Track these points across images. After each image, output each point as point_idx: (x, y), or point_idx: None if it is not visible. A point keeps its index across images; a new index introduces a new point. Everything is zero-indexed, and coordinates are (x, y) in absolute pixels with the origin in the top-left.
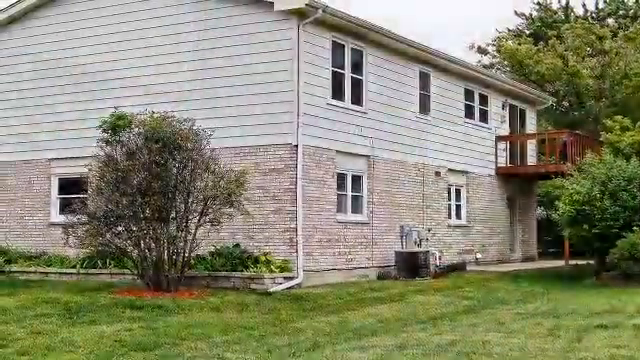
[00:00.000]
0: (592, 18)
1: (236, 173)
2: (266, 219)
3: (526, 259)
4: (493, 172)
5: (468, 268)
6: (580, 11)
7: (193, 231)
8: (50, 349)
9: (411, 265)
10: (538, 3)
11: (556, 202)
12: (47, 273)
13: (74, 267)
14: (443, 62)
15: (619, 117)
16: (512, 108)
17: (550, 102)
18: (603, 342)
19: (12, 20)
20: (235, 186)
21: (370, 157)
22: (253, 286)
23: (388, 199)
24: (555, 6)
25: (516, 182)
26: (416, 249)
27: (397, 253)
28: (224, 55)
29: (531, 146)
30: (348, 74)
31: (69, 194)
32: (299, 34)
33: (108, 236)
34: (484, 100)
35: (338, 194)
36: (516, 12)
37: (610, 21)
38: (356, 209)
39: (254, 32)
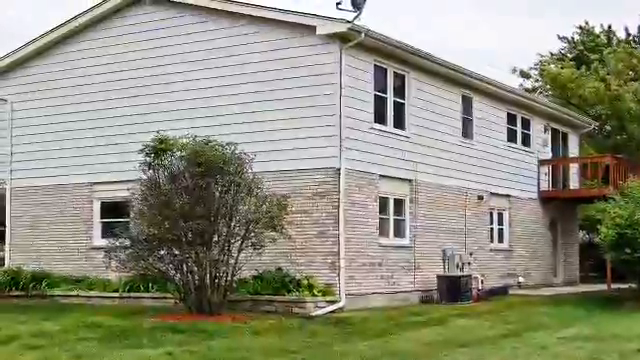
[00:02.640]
0: (634, 42)
1: (278, 197)
2: (308, 243)
3: (568, 283)
4: (535, 196)
5: (510, 292)
6: (622, 35)
7: (235, 255)
8: None
9: (453, 289)
10: (580, 27)
11: (598, 226)
12: (89, 297)
13: (116, 291)
14: (485, 86)
15: None
16: (554, 132)
17: (592, 126)
18: None
19: (54, 44)
20: (277, 210)
21: (412, 181)
22: (295, 310)
23: (430, 223)
24: (597, 30)
25: (558, 206)
26: (458, 273)
27: (439, 277)
28: (267, 79)
29: (573, 170)
30: (390, 98)
31: (111, 218)
32: (341, 58)
33: (150, 260)
34: (526, 124)
35: (380, 218)
36: (559, 36)
37: None
38: (398, 233)
39: (296, 56)
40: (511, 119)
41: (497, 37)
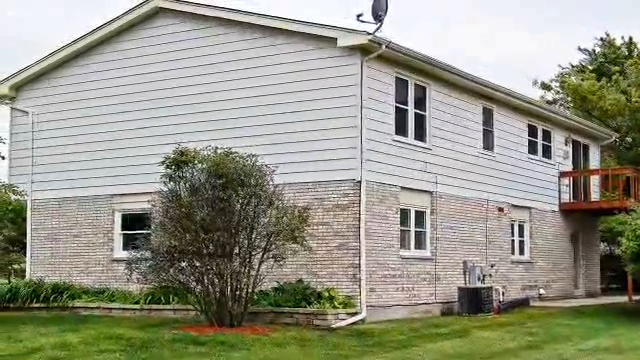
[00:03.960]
0: None
1: (299, 209)
2: (329, 255)
3: (589, 295)
4: (556, 208)
5: (531, 304)
6: None
7: (256, 267)
8: None
9: (474, 301)
10: (601, 39)
11: (619, 238)
12: (110, 309)
13: (137, 303)
14: (506, 98)
15: None
16: (575, 144)
17: (613, 138)
18: None
19: (74, 56)
20: (298, 222)
21: (433, 193)
22: (316, 322)
23: (451, 235)
24: (618, 42)
25: (579, 218)
26: (479, 285)
27: (460, 289)
28: (287, 90)
29: (594, 182)
30: (412, 110)
31: (132, 230)
32: (362, 70)
33: (171, 272)
34: (547, 136)
35: (401, 230)
36: (579, 48)
37: None
38: (419, 245)
39: (317, 68)
40: (532, 131)
41: (518, 49)
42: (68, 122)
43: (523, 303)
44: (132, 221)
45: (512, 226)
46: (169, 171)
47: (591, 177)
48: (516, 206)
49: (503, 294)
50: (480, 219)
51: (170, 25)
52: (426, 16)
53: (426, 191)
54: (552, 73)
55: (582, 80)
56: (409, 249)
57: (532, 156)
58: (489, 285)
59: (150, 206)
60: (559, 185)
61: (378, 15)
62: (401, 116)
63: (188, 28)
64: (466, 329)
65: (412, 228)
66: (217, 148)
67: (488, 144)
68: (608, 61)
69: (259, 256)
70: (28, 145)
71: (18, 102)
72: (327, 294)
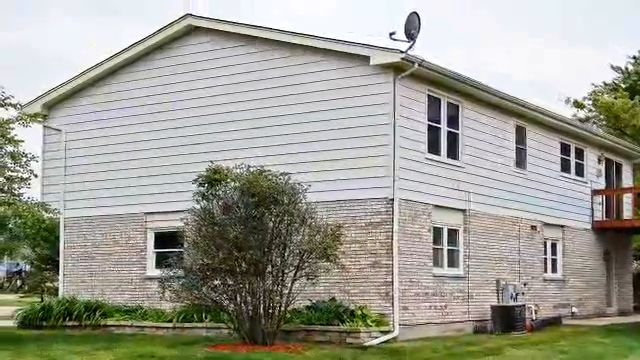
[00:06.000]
0: None
1: (332, 227)
2: (362, 273)
3: (621, 313)
4: (589, 226)
5: (564, 322)
6: None
7: (289, 285)
8: None
9: (507, 319)
10: (634, 57)
11: None
12: (142, 327)
13: (170, 321)
14: (539, 116)
15: None
16: (608, 162)
17: None
18: None
19: (107, 74)
20: (331, 240)
21: (466, 211)
22: (349, 340)
23: (484, 253)
24: None
25: (612, 236)
26: (512, 303)
27: (493, 307)
28: (321, 109)
29: (627, 200)
30: (444, 128)
31: (165, 248)
32: (395, 88)
33: (204, 290)
34: (580, 154)
35: (434, 248)
36: (612, 66)
37: None
38: (452, 263)
39: (350, 86)
40: (565, 149)
41: (550, 67)
42: (100, 140)
43: (556, 321)
44: (165, 239)
45: (545, 244)
46: (202, 189)
47: (624, 195)
48: (549, 224)
49: (536, 312)
50: (513, 237)
51: (200, 44)
52: (458, 36)
53: (459, 209)
54: (585, 91)
55: (615, 98)
56: (442, 267)
57: (565, 174)
58: (522, 303)
59: (183, 224)
60: (592, 203)
61: (410, 33)
62: (434, 134)
63: (220, 46)
64: (499, 347)
65: (445, 246)
66: (250, 166)
67: (521, 162)
68: None
69: (292, 274)
70: (61, 163)
71: (50, 120)
72: (360, 312)
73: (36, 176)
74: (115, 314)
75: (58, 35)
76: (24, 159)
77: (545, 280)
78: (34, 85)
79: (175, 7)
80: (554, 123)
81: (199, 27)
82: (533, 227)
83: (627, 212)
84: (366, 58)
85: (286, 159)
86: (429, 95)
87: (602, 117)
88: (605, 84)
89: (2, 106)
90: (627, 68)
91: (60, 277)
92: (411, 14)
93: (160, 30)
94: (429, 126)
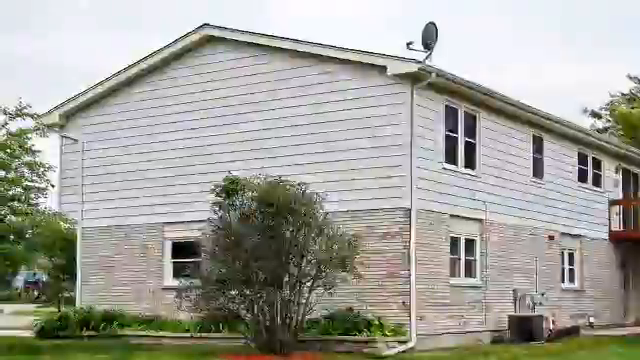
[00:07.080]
0: None
1: (349, 237)
2: (379, 283)
3: (639, 323)
4: (606, 236)
5: (581, 332)
6: None
7: (306, 295)
8: None
9: (524, 329)
10: None
11: None
12: (160, 337)
13: (187, 331)
14: (556, 126)
15: None
16: (625, 172)
17: None
18: None
19: (124, 84)
20: (348, 250)
21: (483, 221)
22: (366, 350)
23: (501, 263)
24: None
25: (629, 246)
26: (529, 313)
27: (510, 317)
28: (337, 119)
29: None
30: (462, 138)
31: (182, 258)
32: (412, 98)
33: (221, 300)
34: (597, 164)
35: (451, 258)
36: (629, 76)
37: None
38: (469, 273)
39: (367, 95)
40: (582, 159)
41: (567, 77)
42: (118, 150)
43: (573, 331)
44: (182, 249)
45: (562, 254)
46: (219, 199)
47: None
48: (566, 234)
49: (553, 322)
50: (530, 247)
51: (219, 54)
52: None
53: (476, 219)
54: (602, 101)
55: (632, 108)
56: (459, 277)
57: (582, 184)
58: (539, 313)
59: (200, 234)
60: (609, 213)
61: (428, 43)
62: (451, 144)
63: (237, 56)
64: (517, 357)
65: (462, 256)
66: (267, 176)
67: (538, 172)
68: None
69: (309, 284)
70: (78, 173)
71: (68, 130)
72: (377, 322)
73: (53, 186)
74: (132, 324)
75: (75, 46)
76: (41, 169)
77: (562, 290)
78: (52, 95)
79: (194, 20)
80: (571, 133)
81: (216, 37)
82: (550, 237)
83: None
84: (383, 68)
85: (303, 169)
86: (446, 105)
87: (619, 127)
88: (622, 94)
89: (19, 116)
90: None
91: (77, 287)
92: (428, 24)
93: (177, 40)
94: (446, 136)
